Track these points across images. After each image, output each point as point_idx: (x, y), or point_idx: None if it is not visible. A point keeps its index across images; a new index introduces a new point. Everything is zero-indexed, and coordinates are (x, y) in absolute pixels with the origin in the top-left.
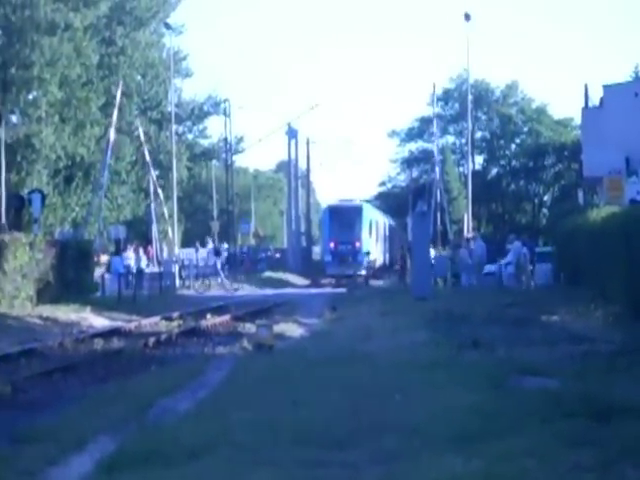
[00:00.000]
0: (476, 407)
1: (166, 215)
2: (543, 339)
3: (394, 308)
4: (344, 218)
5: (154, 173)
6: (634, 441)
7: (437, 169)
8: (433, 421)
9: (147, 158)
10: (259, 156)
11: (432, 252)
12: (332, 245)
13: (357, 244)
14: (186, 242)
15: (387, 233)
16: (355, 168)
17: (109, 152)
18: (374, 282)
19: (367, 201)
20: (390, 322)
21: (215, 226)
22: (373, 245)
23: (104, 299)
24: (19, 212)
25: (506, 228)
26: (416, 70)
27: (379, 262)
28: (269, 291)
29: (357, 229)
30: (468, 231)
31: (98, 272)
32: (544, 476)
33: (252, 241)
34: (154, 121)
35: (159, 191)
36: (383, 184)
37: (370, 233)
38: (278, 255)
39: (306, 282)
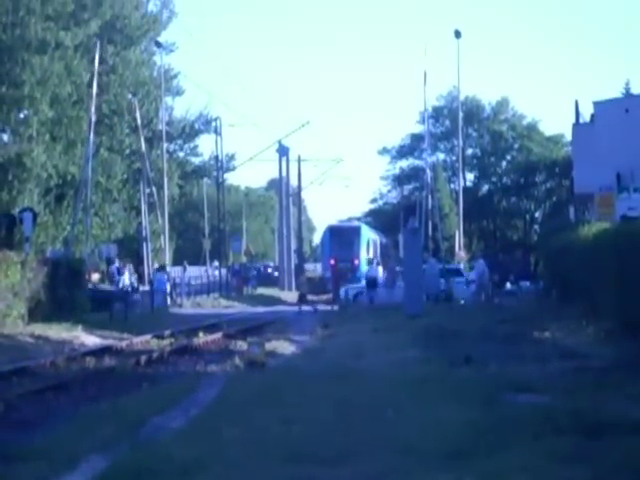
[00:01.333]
0: (468, 423)
1: (160, 232)
2: (535, 355)
3: (386, 325)
4: (343, 237)
5: (146, 190)
6: (626, 457)
7: (428, 185)
8: (425, 437)
9: (147, 164)
10: (250, 174)
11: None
12: (332, 262)
13: (356, 261)
14: (178, 260)
15: (380, 250)
16: (346, 185)
17: (90, 163)
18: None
19: (358, 218)
20: (382, 339)
21: (206, 244)
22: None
23: (96, 317)
24: (10, 231)
25: (497, 245)
26: (407, 87)
27: None
28: (261, 309)
29: (356, 247)
30: (459, 248)
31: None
32: None
33: (244, 259)
34: (145, 139)
35: (156, 206)
36: (374, 201)
37: (368, 251)
38: (274, 272)
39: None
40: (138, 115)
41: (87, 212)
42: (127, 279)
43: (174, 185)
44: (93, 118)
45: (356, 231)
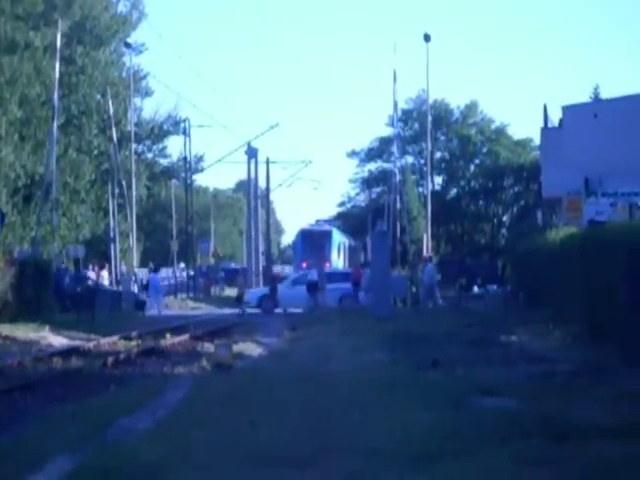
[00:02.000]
0: (435, 427)
1: (128, 233)
2: (502, 359)
3: (354, 328)
4: (315, 241)
5: (114, 192)
6: (592, 461)
7: (396, 188)
8: (392, 441)
9: (117, 161)
10: (219, 175)
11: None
12: (304, 265)
13: (327, 264)
14: (145, 261)
15: (348, 253)
16: (315, 188)
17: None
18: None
19: (327, 221)
20: (349, 342)
21: (174, 245)
22: (341, 265)
23: (63, 318)
24: None
25: (465, 248)
26: (376, 91)
27: None
28: (228, 310)
29: (327, 251)
30: (427, 251)
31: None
32: None
33: (211, 260)
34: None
35: (124, 207)
36: (342, 204)
37: (339, 254)
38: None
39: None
40: (111, 109)
41: (55, 211)
42: (106, 279)
43: (142, 186)
44: (55, 119)
45: (328, 235)
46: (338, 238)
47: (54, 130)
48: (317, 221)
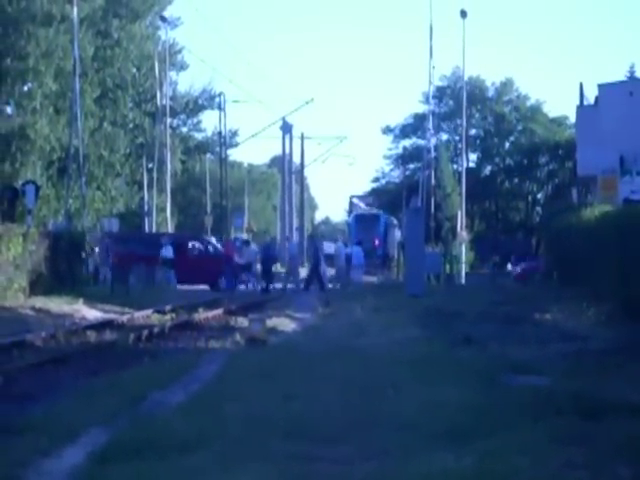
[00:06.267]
0: (468, 404)
1: (162, 207)
2: (535, 337)
3: (387, 304)
4: (367, 223)
5: (148, 165)
6: (625, 439)
7: (431, 164)
8: (425, 417)
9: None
10: (253, 150)
11: None
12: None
13: (376, 242)
14: None
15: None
16: (350, 163)
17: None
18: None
19: (360, 197)
20: (383, 318)
21: (208, 220)
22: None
23: (97, 291)
24: (13, 203)
25: (499, 226)
26: (411, 67)
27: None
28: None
29: (376, 231)
30: (461, 228)
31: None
32: (536, 473)
33: (245, 236)
34: (148, 114)
35: (159, 180)
36: (377, 180)
37: (386, 234)
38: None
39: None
40: (157, 77)
41: (87, 184)
42: None
43: (177, 160)
44: (77, 91)
45: (377, 218)
46: (384, 220)
47: (77, 100)
48: (351, 197)
